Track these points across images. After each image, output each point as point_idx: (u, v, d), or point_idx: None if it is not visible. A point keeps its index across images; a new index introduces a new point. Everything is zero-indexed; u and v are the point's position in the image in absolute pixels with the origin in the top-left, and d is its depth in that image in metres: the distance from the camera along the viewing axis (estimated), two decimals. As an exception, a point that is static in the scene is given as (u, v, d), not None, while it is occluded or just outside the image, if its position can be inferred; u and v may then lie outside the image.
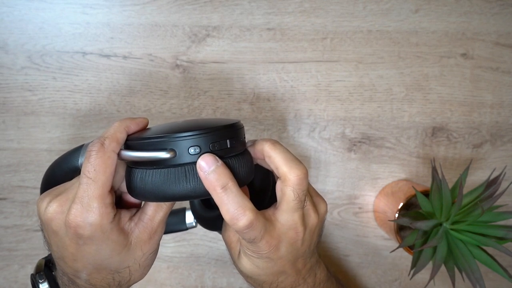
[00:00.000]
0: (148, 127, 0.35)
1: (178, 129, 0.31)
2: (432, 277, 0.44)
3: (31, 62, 0.54)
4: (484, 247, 0.45)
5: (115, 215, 0.32)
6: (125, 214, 0.33)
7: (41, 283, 0.36)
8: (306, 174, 0.32)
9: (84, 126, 0.55)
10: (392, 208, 0.51)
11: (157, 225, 0.34)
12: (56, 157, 0.55)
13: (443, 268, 0.45)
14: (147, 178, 0.31)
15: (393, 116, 0.56)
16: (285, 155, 0.32)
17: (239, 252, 0.35)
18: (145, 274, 0.36)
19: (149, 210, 0.34)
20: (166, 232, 0.43)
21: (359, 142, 0.57)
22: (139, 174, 0.31)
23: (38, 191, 0.56)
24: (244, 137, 0.35)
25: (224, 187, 0.30)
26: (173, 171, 0.30)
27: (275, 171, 0.33)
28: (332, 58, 0.55)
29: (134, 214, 0.34)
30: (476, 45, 0.55)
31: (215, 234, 0.57)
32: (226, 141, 0.31)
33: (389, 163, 0.57)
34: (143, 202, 0.35)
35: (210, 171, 0.30)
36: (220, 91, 0.55)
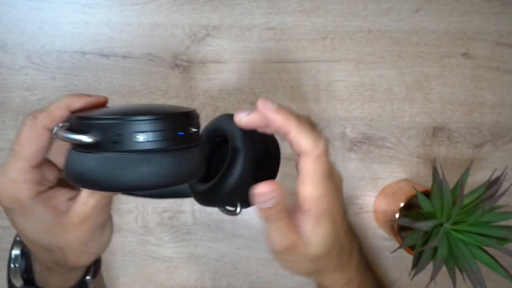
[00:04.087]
0: (110, 106, 0.33)
1: (128, 112, 0.29)
2: (433, 277, 0.43)
3: (30, 62, 0.54)
4: (485, 248, 0.45)
5: (43, 192, 0.31)
6: (64, 193, 0.32)
7: (14, 249, 0.38)
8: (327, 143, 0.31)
9: (83, 126, 0.55)
10: (392, 208, 0.51)
11: (90, 211, 0.31)
12: (55, 157, 0.55)
13: (444, 268, 0.45)
14: (77, 161, 0.28)
15: (393, 116, 0.56)
16: (302, 127, 0.30)
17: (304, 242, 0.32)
18: (87, 260, 0.34)
19: (83, 193, 0.31)
20: (170, 196, 0.41)
21: (360, 142, 0.56)
22: (72, 156, 0.29)
23: (38, 191, 0.56)
24: (199, 128, 0.32)
25: (296, 117, 0.30)
26: (106, 158, 0.28)
27: (294, 145, 0.30)
28: (332, 58, 0.55)
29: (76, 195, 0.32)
30: (477, 45, 0.55)
31: (215, 234, 0.57)
32: (177, 130, 0.29)
33: (390, 163, 0.57)
34: None
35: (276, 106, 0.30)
36: (220, 91, 0.55)
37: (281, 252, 0.32)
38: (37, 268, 0.36)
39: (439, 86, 0.56)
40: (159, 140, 0.28)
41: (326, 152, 0.30)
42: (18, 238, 0.39)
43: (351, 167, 0.57)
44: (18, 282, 0.37)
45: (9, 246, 0.57)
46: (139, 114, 0.28)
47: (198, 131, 0.31)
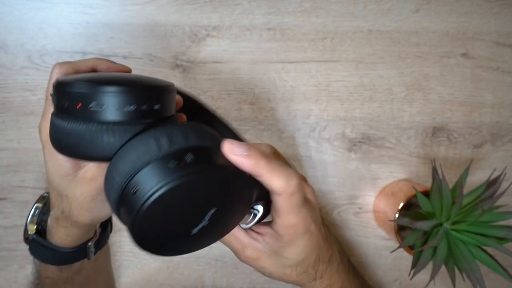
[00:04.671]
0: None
1: (98, 80, 0.29)
2: (432, 277, 0.43)
3: (31, 62, 0.54)
4: (485, 247, 0.45)
5: None
6: None
7: (37, 202, 0.42)
8: (301, 178, 0.32)
9: (84, 126, 0.55)
10: (392, 208, 0.51)
11: (101, 171, 0.33)
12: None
13: (443, 268, 0.45)
14: (56, 125, 0.29)
15: (393, 116, 0.56)
16: (272, 169, 0.29)
17: (271, 254, 0.34)
18: (87, 219, 0.36)
19: None
20: None
21: (359, 142, 0.57)
22: (53, 120, 0.30)
23: (38, 191, 0.56)
24: (168, 104, 0.31)
25: (264, 157, 0.29)
26: (74, 126, 0.28)
27: (266, 185, 0.31)
28: (332, 58, 0.55)
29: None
30: (476, 45, 0.55)
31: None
32: (154, 104, 0.28)
33: (389, 163, 0.57)
34: None
35: (246, 150, 0.28)
36: (220, 91, 0.55)
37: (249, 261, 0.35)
38: (49, 220, 0.39)
39: (438, 86, 0.56)
40: (122, 112, 0.28)
41: (299, 186, 0.30)
42: (45, 194, 0.43)
43: (351, 167, 0.57)
44: (32, 230, 0.40)
45: (9, 246, 0.57)
46: (107, 83, 0.28)
47: (166, 107, 0.30)
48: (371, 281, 0.58)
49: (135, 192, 0.26)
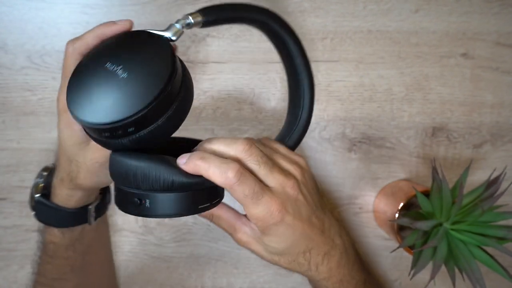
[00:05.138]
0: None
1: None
2: (432, 277, 0.43)
3: (31, 62, 0.54)
4: (485, 247, 0.45)
5: None
6: None
7: (43, 171, 0.46)
8: (247, 143, 0.34)
9: (83, 126, 0.55)
10: (392, 208, 0.51)
11: None
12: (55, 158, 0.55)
13: (443, 268, 0.45)
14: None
15: (393, 116, 0.56)
16: (208, 165, 0.33)
17: (258, 240, 0.37)
18: (92, 182, 0.40)
19: None
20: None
21: (359, 142, 0.57)
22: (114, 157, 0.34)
23: (38, 191, 0.56)
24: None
25: (202, 158, 0.33)
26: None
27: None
28: (332, 58, 0.55)
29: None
30: (476, 45, 0.55)
31: (215, 234, 0.57)
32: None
33: (389, 163, 0.57)
34: None
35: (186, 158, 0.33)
36: (220, 91, 0.55)
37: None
38: (53, 181, 0.42)
39: (438, 86, 0.56)
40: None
41: (237, 178, 0.32)
42: (50, 165, 0.46)
43: (351, 167, 0.57)
44: (38, 191, 0.44)
45: (9, 246, 0.57)
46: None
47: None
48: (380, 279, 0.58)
49: (140, 204, 0.33)
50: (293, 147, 0.42)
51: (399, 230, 0.50)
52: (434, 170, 0.46)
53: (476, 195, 0.46)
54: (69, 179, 0.39)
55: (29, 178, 0.56)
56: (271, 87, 0.55)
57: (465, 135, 0.57)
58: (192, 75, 0.55)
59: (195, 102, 0.55)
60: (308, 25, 0.54)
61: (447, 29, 0.55)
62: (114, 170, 0.33)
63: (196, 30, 0.54)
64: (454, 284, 0.44)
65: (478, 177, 0.57)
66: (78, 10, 0.53)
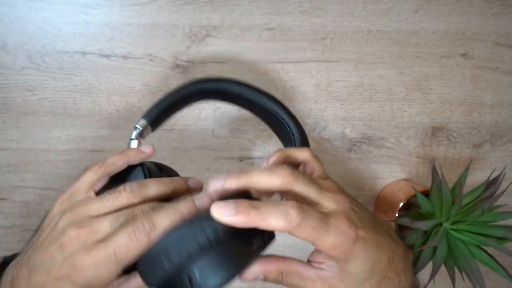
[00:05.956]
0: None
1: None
2: (432, 277, 0.43)
3: (31, 62, 0.54)
4: (484, 247, 0.45)
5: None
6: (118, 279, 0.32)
7: None
8: (287, 166, 0.30)
9: (84, 126, 0.55)
10: (392, 208, 0.51)
11: None
12: (55, 157, 0.56)
13: (443, 268, 0.45)
14: None
15: (393, 116, 0.56)
16: (266, 216, 0.28)
17: (342, 276, 0.31)
18: None
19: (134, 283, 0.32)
20: None
21: (359, 142, 0.57)
22: None
23: (38, 191, 0.56)
24: None
25: (253, 207, 0.28)
26: None
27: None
28: (332, 58, 0.55)
29: (120, 278, 0.32)
30: (476, 45, 0.55)
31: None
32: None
33: (389, 163, 0.57)
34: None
35: (233, 209, 0.28)
36: (220, 91, 0.55)
37: None
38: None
39: (438, 86, 0.56)
40: None
41: (302, 216, 0.28)
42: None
43: (350, 167, 0.57)
44: None
45: (9, 246, 0.57)
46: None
47: None
48: None
49: (191, 283, 0.26)
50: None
51: (399, 230, 0.50)
52: (434, 170, 0.46)
53: (476, 195, 0.46)
54: None
55: (29, 178, 0.56)
56: (271, 87, 0.55)
57: (465, 135, 0.57)
58: (192, 75, 0.55)
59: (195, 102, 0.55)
60: (308, 25, 0.54)
61: (447, 29, 0.55)
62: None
63: (196, 30, 0.54)
64: (454, 284, 0.44)
65: (478, 177, 0.57)
66: (79, 10, 0.53)
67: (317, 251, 0.32)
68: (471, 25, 0.55)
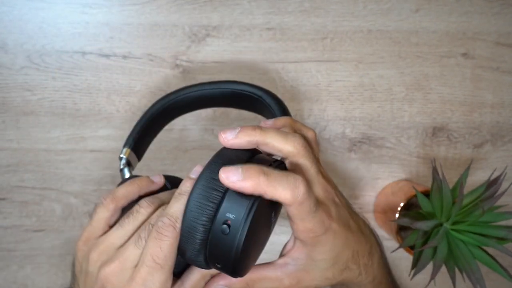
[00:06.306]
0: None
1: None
2: (432, 277, 0.43)
3: (31, 62, 0.54)
4: (485, 248, 0.45)
5: None
6: None
7: None
8: (301, 138, 0.30)
9: (83, 126, 0.55)
10: (392, 208, 0.51)
11: None
12: (55, 157, 0.55)
13: (443, 268, 0.45)
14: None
15: (393, 116, 0.56)
16: (274, 183, 0.28)
17: (306, 266, 0.33)
18: None
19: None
20: None
21: (359, 142, 0.56)
22: None
23: (38, 191, 0.56)
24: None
25: (264, 173, 0.28)
26: None
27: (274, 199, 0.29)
28: (332, 58, 0.55)
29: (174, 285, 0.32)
30: (476, 45, 0.55)
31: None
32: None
33: (389, 163, 0.57)
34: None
35: (241, 174, 0.27)
36: (220, 91, 0.55)
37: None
38: None
39: (438, 86, 0.56)
40: None
41: (307, 194, 0.28)
42: None
43: (351, 167, 0.57)
44: None
45: (8, 246, 0.57)
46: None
47: None
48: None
49: (226, 232, 0.27)
50: None
51: (399, 230, 0.50)
52: (434, 170, 0.46)
53: (476, 195, 0.46)
54: None
55: (29, 178, 0.56)
56: (271, 87, 0.55)
57: (465, 135, 0.56)
58: (192, 75, 0.55)
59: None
60: (308, 25, 0.54)
61: (447, 29, 0.55)
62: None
63: (196, 29, 0.54)
64: (454, 284, 0.44)
65: (478, 177, 0.57)
66: (78, 10, 0.53)
67: (286, 244, 0.33)
68: (472, 25, 0.55)
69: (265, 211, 0.29)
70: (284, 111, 0.40)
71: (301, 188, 0.28)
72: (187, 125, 0.56)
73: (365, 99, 0.56)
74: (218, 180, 0.27)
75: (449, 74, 0.55)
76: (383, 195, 0.56)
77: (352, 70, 0.55)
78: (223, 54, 0.55)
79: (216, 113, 0.56)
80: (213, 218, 0.27)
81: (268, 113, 0.41)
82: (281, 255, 0.34)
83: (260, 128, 0.30)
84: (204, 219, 0.27)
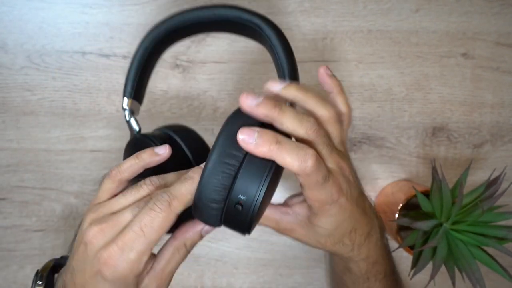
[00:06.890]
0: None
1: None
2: (432, 277, 0.43)
3: (31, 62, 0.54)
4: (485, 247, 0.45)
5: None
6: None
7: (38, 285, 0.35)
8: (316, 122, 0.31)
9: (83, 126, 0.55)
10: (392, 208, 0.51)
11: (167, 275, 0.33)
12: (55, 157, 0.55)
13: (443, 268, 0.45)
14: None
15: (393, 116, 0.56)
16: (284, 152, 0.30)
17: (304, 224, 0.36)
18: None
19: (162, 259, 0.33)
20: None
21: (359, 142, 0.56)
22: None
23: (38, 191, 0.56)
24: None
25: (277, 141, 0.29)
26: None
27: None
28: (332, 58, 0.55)
29: (148, 262, 0.32)
30: (476, 45, 0.55)
31: (214, 233, 0.57)
32: None
33: (389, 163, 0.57)
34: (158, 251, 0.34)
35: (255, 138, 0.29)
36: (220, 91, 0.55)
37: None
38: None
39: (438, 86, 0.56)
40: None
41: (315, 167, 0.30)
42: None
43: (351, 167, 0.57)
44: None
45: (8, 246, 0.57)
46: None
47: None
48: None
49: (241, 204, 0.29)
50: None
51: (399, 230, 0.50)
52: (434, 170, 0.46)
53: (476, 195, 0.46)
54: None
55: (29, 178, 0.56)
56: (271, 87, 0.55)
57: (465, 135, 0.56)
58: (192, 75, 0.55)
59: (195, 102, 0.56)
60: (308, 25, 0.54)
61: (447, 28, 0.55)
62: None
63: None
64: (454, 284, 0.44)
65: (478, 177, 0.57)
66: (78, 10, 0.53)
67: (292, 197, 0.37)
68: (472, 25, 0.55)
69: (278, 171, 0.31)
70: (287, 50, 0.39)
71: (309, 162, 0.29)
72: (187, 125, 0.56)
73: (365, 99, 0.56)
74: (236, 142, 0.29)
75: (449, 74, 0.55)
76: (383, 195, 0.56)
77: (352, 70, 0.55)
78: (223, 54, 0.55)
79: (216, 113, 0.56)
80: (233, 181, 0.29)
81: (268, 47, 0.40)
82: (286, 203, 0.37)
83: (280, 107, 0.31)
84: (225, 182, 0.29)
